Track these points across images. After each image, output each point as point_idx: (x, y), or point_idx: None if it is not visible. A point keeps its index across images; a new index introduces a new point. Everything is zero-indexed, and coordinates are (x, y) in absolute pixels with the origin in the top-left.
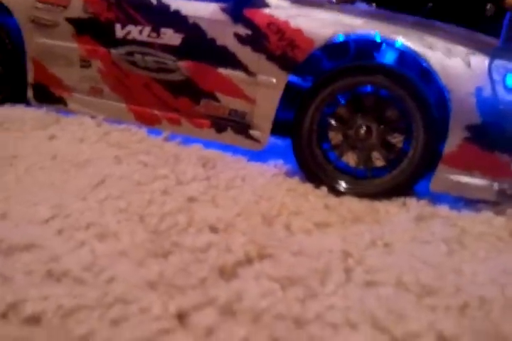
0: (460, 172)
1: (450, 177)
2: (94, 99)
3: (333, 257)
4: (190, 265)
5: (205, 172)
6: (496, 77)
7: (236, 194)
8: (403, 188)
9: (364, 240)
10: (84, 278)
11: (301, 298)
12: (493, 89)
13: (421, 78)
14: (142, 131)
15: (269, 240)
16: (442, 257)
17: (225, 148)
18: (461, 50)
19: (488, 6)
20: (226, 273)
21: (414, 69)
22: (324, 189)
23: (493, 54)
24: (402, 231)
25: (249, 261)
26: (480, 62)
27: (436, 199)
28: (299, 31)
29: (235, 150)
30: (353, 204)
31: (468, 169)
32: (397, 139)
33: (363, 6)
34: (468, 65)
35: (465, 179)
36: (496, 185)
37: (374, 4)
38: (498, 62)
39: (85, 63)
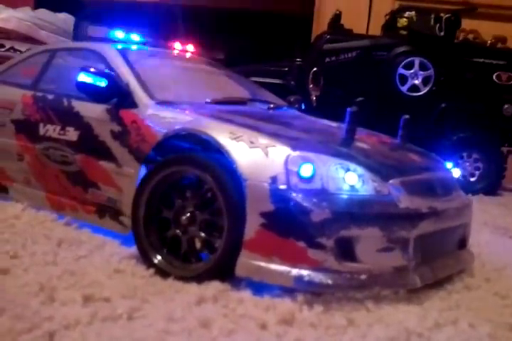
0: (261, 258)
1: (252, 263)
2: (26, 188)
3: None
4: None
5: (46, 250)
6: (293, 167)
7: (49, 269)
8: (221, 271)
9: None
10: None
11: None
12: (287, 178)
13: (225, 167)
14: (52, 216)
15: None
16: None
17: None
18: (263, 142)
19: (506, 106)
20: None
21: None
22: (152, 270)
23: (293, 145)
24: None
25: None
26: (279, 153)
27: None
28: (149, 128)
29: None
30: (158, 284)
31: (267, 255)
32: (220, 224)
33: (258, 106)
34: (267, 155)
35: (265, 265)
36: (293, 272)
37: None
38: (297, 153)
39: (20, 157)
